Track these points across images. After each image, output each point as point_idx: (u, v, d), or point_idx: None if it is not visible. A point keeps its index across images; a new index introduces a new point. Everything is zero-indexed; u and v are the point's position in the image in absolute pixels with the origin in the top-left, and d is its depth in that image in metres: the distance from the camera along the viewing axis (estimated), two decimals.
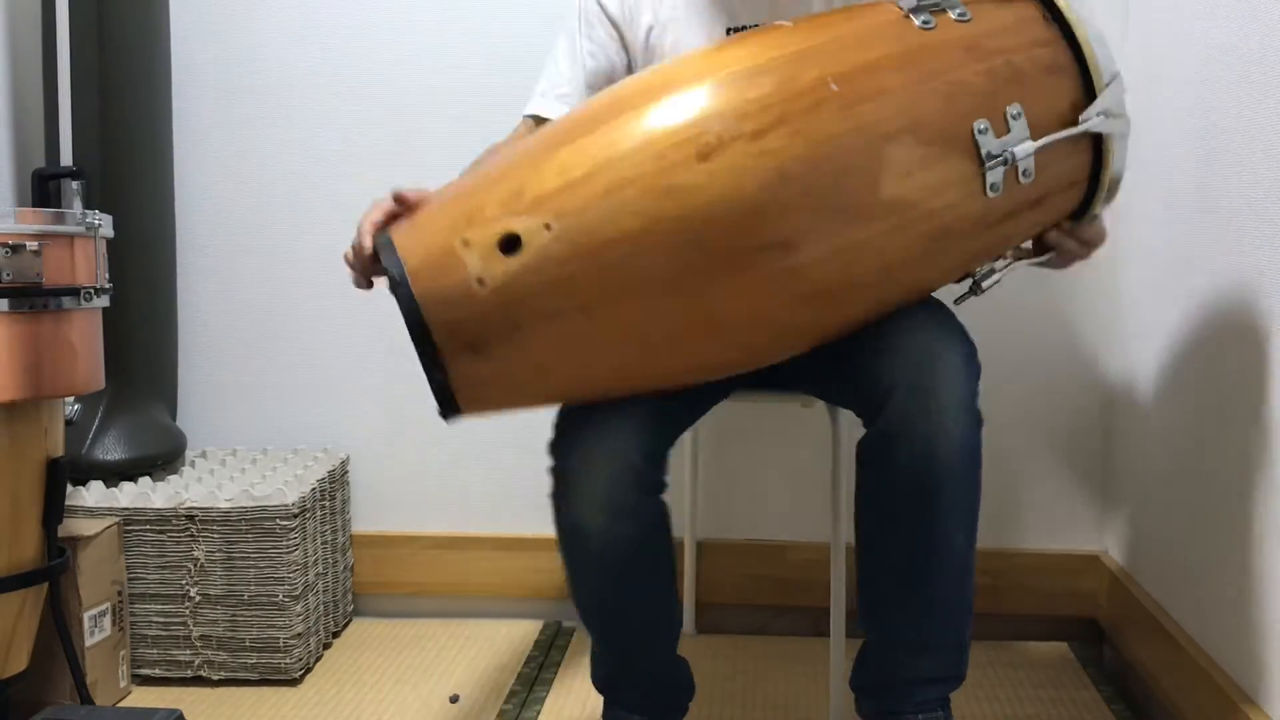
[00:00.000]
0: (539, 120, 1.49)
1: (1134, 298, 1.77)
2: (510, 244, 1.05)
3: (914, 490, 1.19)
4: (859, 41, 1.11)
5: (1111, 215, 1.83)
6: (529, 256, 1.04)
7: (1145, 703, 1.63)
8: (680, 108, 1.07)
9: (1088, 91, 1.15)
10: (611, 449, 1.22)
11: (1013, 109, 1.10)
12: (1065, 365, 1.89)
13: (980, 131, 1.09)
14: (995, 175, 1.10)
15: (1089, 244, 1.28)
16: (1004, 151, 1.10)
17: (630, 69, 1.50)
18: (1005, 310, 1.86)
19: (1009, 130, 1.10)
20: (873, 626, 1.29)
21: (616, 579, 1.29)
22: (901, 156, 1.07)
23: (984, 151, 1.09)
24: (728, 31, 1.45)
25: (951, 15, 1.13)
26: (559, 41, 1.52)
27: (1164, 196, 1.63)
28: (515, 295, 1.05)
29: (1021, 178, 1.11)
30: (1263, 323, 1.28)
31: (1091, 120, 1.14)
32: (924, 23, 1.12)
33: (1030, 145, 1.10)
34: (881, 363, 1.18)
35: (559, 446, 1.27)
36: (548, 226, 1.04)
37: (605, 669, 1.40)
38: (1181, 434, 1.54)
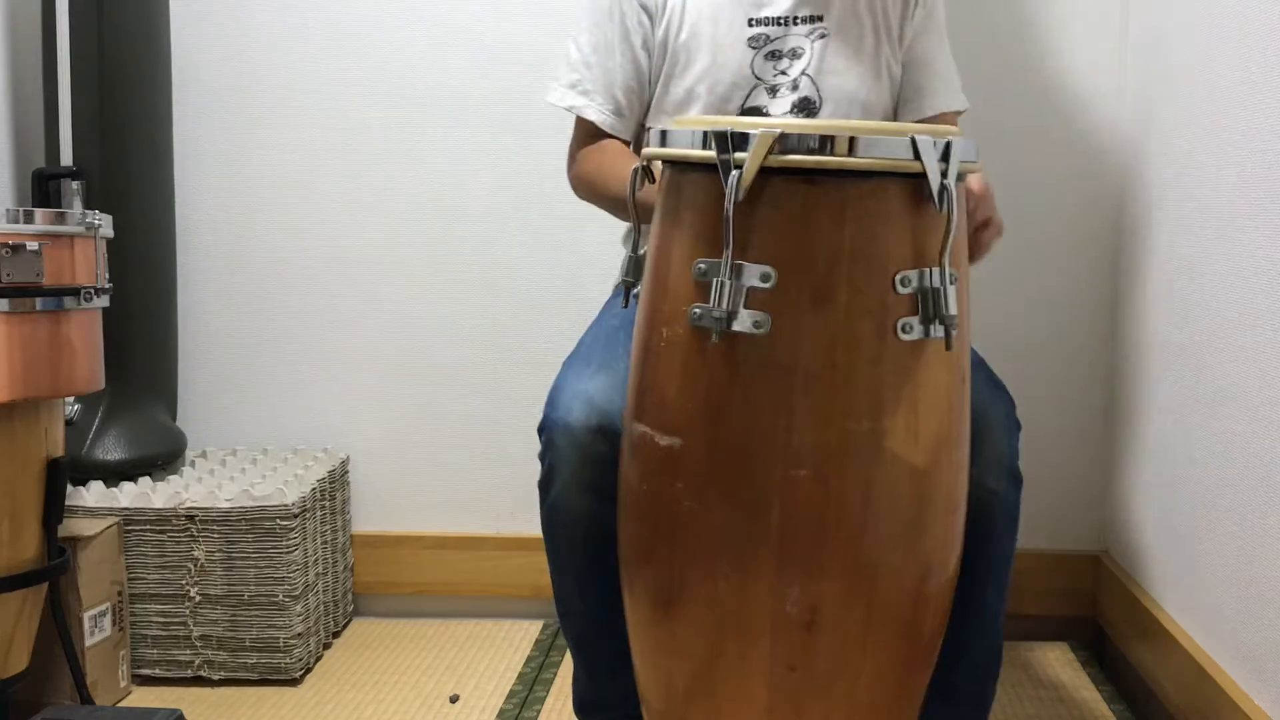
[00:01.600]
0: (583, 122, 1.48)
1: (1133, 299, 1.77)
2: None
3: None
4: None
5: (1112, 220, 1.84)
6: None
7: (1145, 703, 1.63)
8: None
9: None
10: (601, 429, 1.20)
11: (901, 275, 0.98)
12: (1065, 366, 1.89)
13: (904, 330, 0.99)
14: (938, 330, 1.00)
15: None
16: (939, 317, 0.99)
17: (649, 70, 1.47)
18: (1005, 311, 1.86)
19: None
20: None
21: (600, 565, 1.23)
22: None
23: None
24: (750, 23, 1.43)
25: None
26: (584, 23, 1.48)
27: (1164, 198, 1.63)
28: None
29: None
30: (1262, 323, 1.28)
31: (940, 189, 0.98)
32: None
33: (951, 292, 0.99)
34: None
35: (546, 427, 1.24)
36: None
37: (583, 686, 1.36)
38: (1182, 434, 1.54)
